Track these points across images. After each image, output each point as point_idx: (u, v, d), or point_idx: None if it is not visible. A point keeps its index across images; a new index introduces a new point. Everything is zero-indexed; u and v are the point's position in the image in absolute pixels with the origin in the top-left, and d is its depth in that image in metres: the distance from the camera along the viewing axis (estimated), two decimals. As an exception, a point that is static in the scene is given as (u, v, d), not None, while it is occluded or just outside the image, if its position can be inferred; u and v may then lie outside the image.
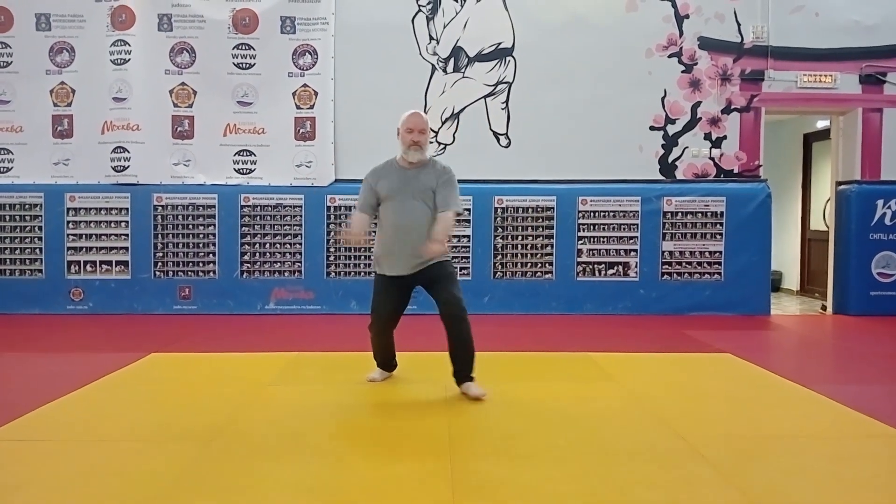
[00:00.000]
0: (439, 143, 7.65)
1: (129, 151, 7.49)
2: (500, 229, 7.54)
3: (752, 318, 7.34)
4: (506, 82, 7.66)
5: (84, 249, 7.45)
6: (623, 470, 3.02)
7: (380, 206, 4.26)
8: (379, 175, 4.30)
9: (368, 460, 3.16)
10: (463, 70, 7.66)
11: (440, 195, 4.18)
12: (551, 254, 7.55)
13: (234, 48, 7.54)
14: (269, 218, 7.51)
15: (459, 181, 7.60)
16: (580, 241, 7.56)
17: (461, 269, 7.52)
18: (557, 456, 3.18)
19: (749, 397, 4.26)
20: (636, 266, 7.56)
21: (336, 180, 7.56)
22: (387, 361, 4.50)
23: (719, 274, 7.56)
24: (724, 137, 7.70)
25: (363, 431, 3.57)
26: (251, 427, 3.60)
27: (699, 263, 7.57)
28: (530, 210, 7.54)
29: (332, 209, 7.51)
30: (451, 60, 7.65)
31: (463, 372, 4.15)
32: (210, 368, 4.94)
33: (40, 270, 7.45)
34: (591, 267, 7.57)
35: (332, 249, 7.52)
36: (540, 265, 7.56)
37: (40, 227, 7.44)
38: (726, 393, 4.35)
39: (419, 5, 7.61)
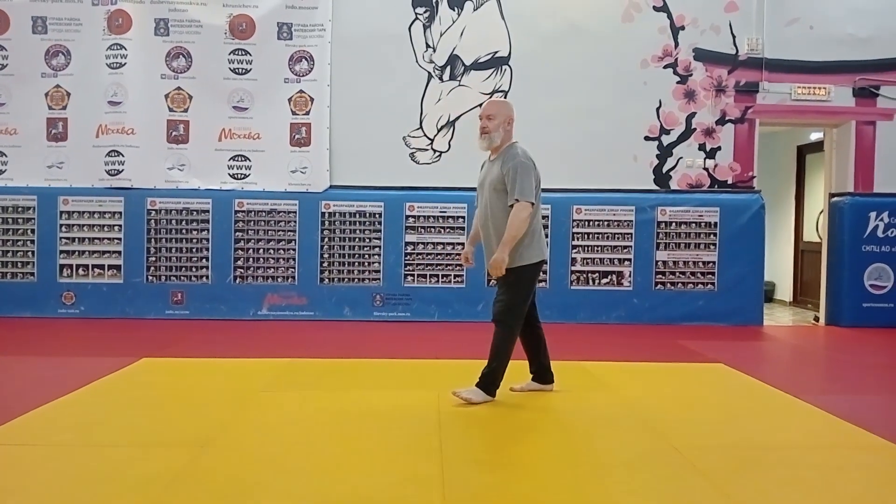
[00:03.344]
0: (434, 151, 7.66)
1: (123, 155, 7.47)
2: (494, 237, 7.53)
3: (745, 329, 7.36)
4: (502, 91, 7.68)
5: (77, 253, 7.42)
6: (616, 480, 3.02)
7: None
8: (480, 169, 4.35)
9: (360, 467, 3.15)
10: (459, 78, 7.68)
11: (508, 186, 4.04)
12: (546, 262, 7.54)
13: (230, 53, 7.53)
14: (263, 223, 7.49)
15: (454, 189, 7.67)
16: (574, 250, 7.57)
17: (455, 276, 7.52)
18: (550, 465, 3.18)
19: (742, 408, 4.26)
20: (630, 275, 7.57)
21: (331, 186, 7.56)
22: (532, 364, 4.40)
23: (713, 284, 7.58)
24: (719, 148, 7.73)
25: (355, 438, 3.55)
26: (244, 433, 3.59)
27: (693, 273, 7.58)
28: (525, 218, 7.53)
29: (326, 215, 7.49)
30: (448, 68, 7.67)
31: (480, 377, 4.17)
32: (202, 374, 4.92)
33: (32, 274, 7.41)
34: (584, 276, 7.58)
35: (325, 255, 7.51)
36: (534, 273, 7.55)
37: (33, 231, 7.41)
38: (719, 403, 4.36)
39: (416, 13, 7.63)
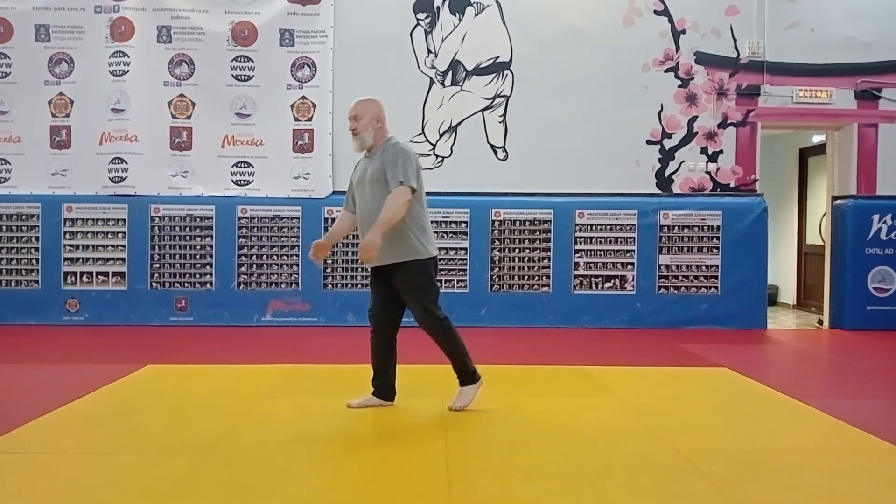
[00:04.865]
0: (437, 156, 7.67)
1: (126, 162, 7.49)
2: (497, 242, 7.55)
3: (748, 332, 7.34)
4: (503, 96, 7.69)
5: (81, 260, 7.44)
6: (620, 485, 3.01)
7: None
8: (354, 169, 4.25)
9: (365, 473, 3.15)
10: (461, 83, 7.69)
11: (389, 172, 3.90)
12: (548, 267, 7.56)
13: (232, 60, 7.56)
14: (266, 229, 7.51)
15: (457, 194, 7.68)
16: (577, 255, 7.57)
17: (458, 281, 7.53)
18: (554, 470, 3.18)
19: (746, 412, 4.26)
20: (633, 279, 7.57)
21: (334, 192, 7.57)
22: (377, 377, 4.16)
23: (716, 288, 7.57)
24: (721, 152, 7.73)
25: (359, 444, 3.56)
26: (247, 439, 3.59)
27: (696, 277, 7.58)
28: (527, 223, 7.55)
29: (329, 221, 7.50)
30: (449, 74, 7.69)
31: (458, 377, 4.14)
32: (206, 380, 4.93)
33: (37, 281, 7.43)
34: (587, 280, 7.58)
35: (328, 261, 7.52)
36: (537, 278, 7.57)
37: (37, 238, 7.43)
38: (723, 407, 4.35)
39: (417, 19, 7.65)
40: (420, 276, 3.98)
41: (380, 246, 3.77)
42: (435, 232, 7.37)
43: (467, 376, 4.13)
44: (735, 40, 7.69)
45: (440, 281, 7.45)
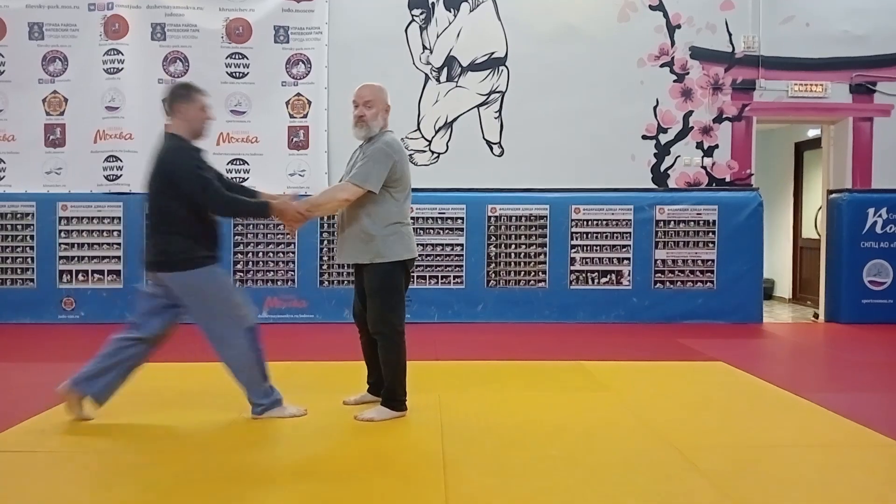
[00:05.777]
0: (433, 152, 7.66)
1: (121, 160, 7.48)
2: (493, 238, 7.55)
3: (744, 326, 7.36)
4: (499, 91, 7.69)
5: (76, 258, 7.42)
6: (616, 481, 3.02)
7: None
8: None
9: (361, 471, 3.15)
10: (456, 79, 7.68)
11: (355, 168, 3.79)
12: (544, 262, 7.57)
13: (227, 57, 7.54)
14: (262, 227, 7.49)
15: (453, 190, 7.66)
16: (573, 250, 7.57)
17: (454, 277, 7.52)
18: (550, 467, 3.18)
19: (742, 406, 4.26)
20: (629, 274, 7.58)
21: (329, 189, 7.55)
22: (371, 375, 4.14)
23: (712, 282, 7.59)
24: (716, 146, 7.74)
25: (355, 442, 3.56)
26: (243, 437, 3.59)
27: (692, 272, 7.59)
28: (523, 219, 7.55)
29: (324, 218, 7.48)
30: (445, 70, 7.68)
31: (383, 396, 3.94)
32: (202, 378, 4.92)
33: (32, 280, 7.41)
34: (584, 275, 7.59)
35: (325, 258, 7.51)
36: (533, 273, 7.57)
37: (32, 237, 7.41)
38: (719, 402, 4.36)
39: (412, 15, 7.64)
40: (382, 279, 3.79)
41: (301, 218, 3.87)
42: (431, 228, 7.49)
43: (392, 401, 3.89)
44: (730, 35, 7.69)
45: (436, 277, 7.52)
